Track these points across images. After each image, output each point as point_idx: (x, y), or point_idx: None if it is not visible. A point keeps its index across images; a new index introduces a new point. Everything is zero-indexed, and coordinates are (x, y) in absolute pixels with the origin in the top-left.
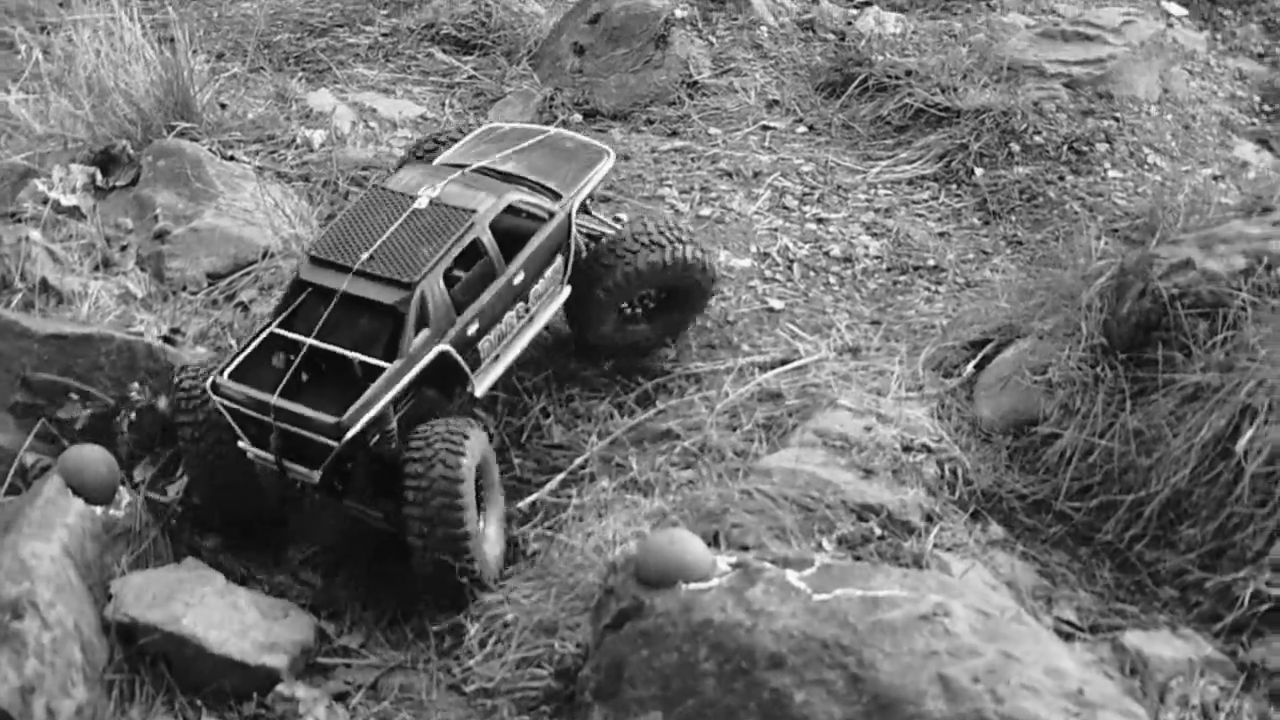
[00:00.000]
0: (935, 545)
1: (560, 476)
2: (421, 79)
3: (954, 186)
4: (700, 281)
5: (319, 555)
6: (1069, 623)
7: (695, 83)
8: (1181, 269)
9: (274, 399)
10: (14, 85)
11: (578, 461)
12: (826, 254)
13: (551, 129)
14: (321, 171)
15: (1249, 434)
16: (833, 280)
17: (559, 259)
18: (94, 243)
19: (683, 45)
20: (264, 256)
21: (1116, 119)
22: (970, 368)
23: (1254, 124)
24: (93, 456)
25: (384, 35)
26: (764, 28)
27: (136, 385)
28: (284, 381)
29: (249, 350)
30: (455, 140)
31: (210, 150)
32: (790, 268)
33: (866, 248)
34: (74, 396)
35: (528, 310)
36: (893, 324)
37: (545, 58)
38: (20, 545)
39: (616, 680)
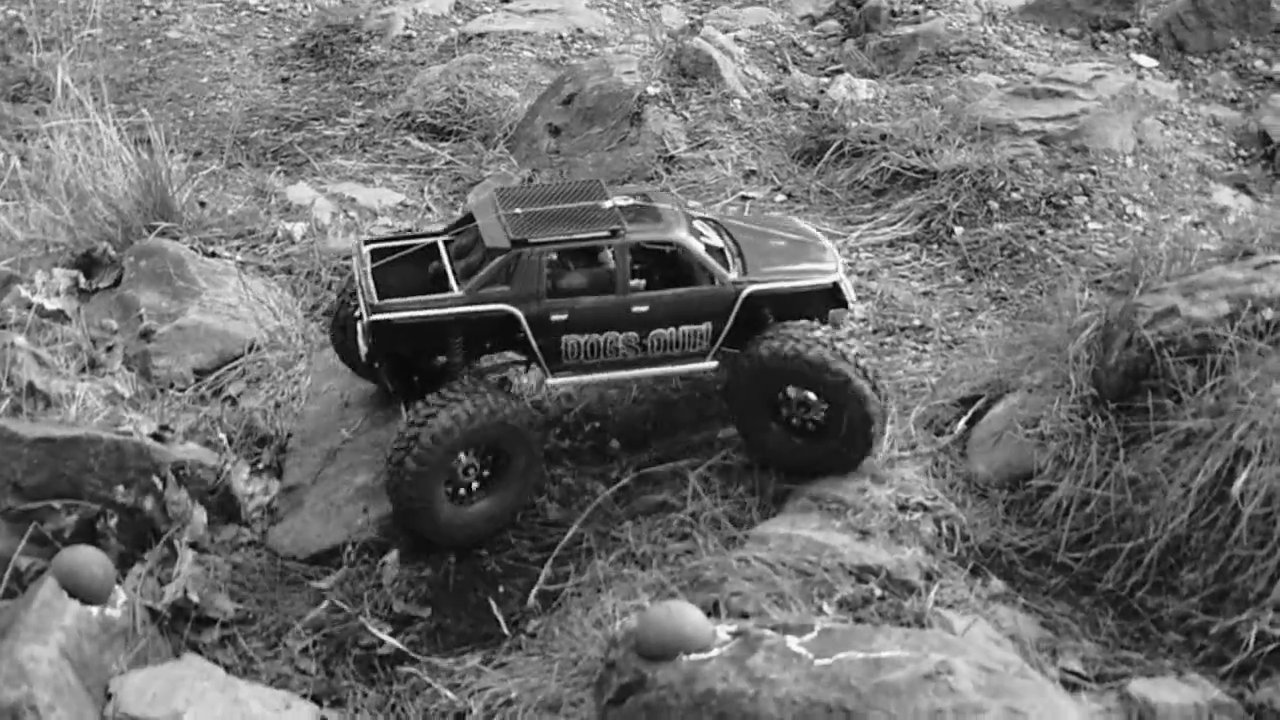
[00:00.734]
0: (936, 603)
1: (554, 553)
2: (399, 167)
3: (935, 246)
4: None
5: (318, 643)
6: (1075, 673)
7: (672, 157)
8: (1166, 316)
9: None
10: None
11: (568, 536)
12: None
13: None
14: (304, 263)
15: (1244, 476)
16: None
17: (707, 325)
18: (79, 345)
19: (657, 121)
20: (250, 350)
21: (1093, 172)
22: (962, 424)
23: (1230, 169)
24: (87, 557)
25: (360, 126)
26: (737, 100)
27: (122, 488)
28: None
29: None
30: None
31: (191, 248)
32: None
33: (852, 312)
34: (56, 506)
35: (642, 346)
36: (882, 385)
37: (521, 140)
38: (18, 649)
39: None
